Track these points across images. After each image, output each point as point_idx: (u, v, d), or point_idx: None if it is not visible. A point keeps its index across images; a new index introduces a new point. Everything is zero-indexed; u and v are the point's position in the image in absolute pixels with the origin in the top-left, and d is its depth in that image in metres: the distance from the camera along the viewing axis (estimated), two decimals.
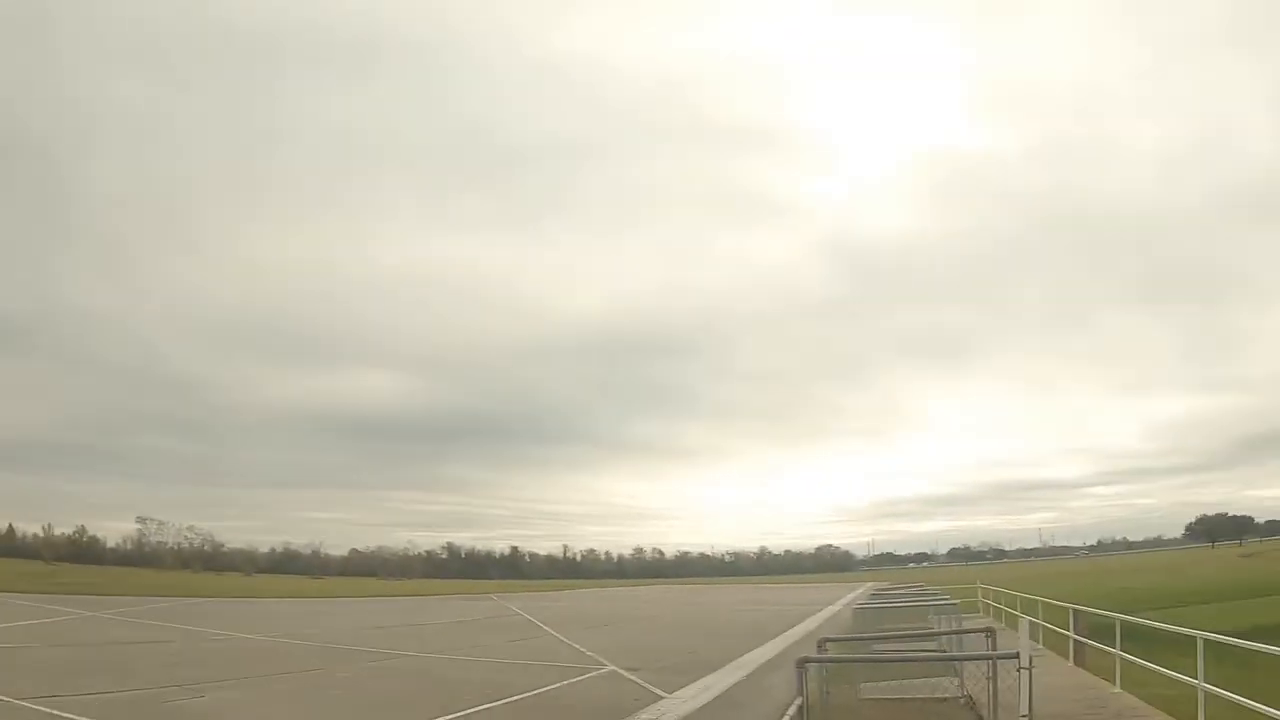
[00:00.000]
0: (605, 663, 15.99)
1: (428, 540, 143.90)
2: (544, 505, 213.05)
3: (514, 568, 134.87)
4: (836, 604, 22.64)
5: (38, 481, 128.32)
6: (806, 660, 5.45)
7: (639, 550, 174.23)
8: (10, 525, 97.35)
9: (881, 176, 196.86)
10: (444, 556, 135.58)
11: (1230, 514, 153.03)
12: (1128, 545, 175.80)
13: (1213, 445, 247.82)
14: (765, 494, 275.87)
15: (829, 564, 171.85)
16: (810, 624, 23.08)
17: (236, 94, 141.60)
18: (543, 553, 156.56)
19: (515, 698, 12.01)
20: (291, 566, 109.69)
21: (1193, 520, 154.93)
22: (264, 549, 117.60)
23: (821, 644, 6.64)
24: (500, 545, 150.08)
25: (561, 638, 22.27)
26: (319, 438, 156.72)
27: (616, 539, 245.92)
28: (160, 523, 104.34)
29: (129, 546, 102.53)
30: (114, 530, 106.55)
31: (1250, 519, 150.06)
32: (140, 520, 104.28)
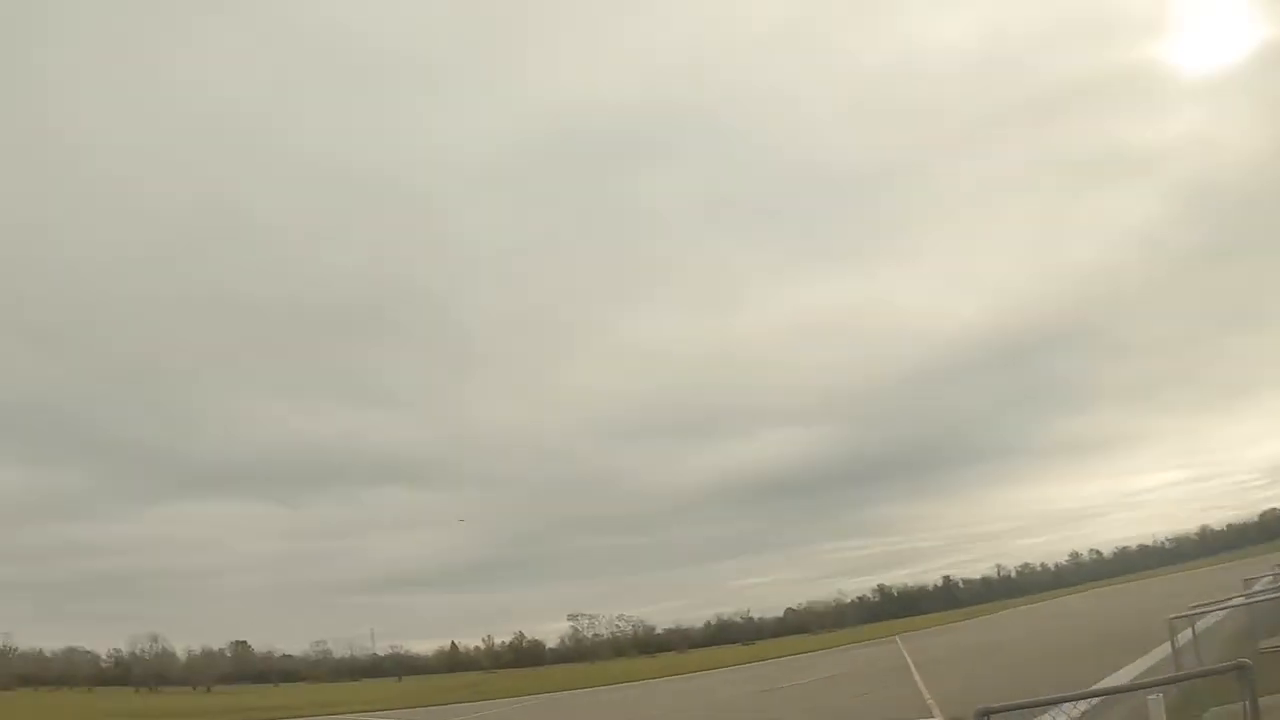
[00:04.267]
0: (929, 717, 15.30)
1: (858, 586, 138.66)
2: (973, 528, 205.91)
3: (949, 597, 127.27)
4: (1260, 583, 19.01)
5: (477, 599, 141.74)
6: (989, 711, 4.70)
7: (1075, 555, 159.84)
8: (452, 642, 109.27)
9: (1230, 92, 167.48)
10: (876, 599, 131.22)
11: None
12: None
13: None
14: (1192, 469, 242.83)
15: (1278, 530, 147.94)
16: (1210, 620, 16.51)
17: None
18: (977, 576, 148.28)
19: None
20: (726, 637, 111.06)
21: None
22: (699, 624, 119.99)
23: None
24: (932, 577, 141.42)
25: (916, 684, 21.40)
26: (734, 506, 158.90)
27: (1049, 547, 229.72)
28: (591, 617, 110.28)
29: (569, 644, 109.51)
30: (551, 631, 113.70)
31: None
32: (571, 617, 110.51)
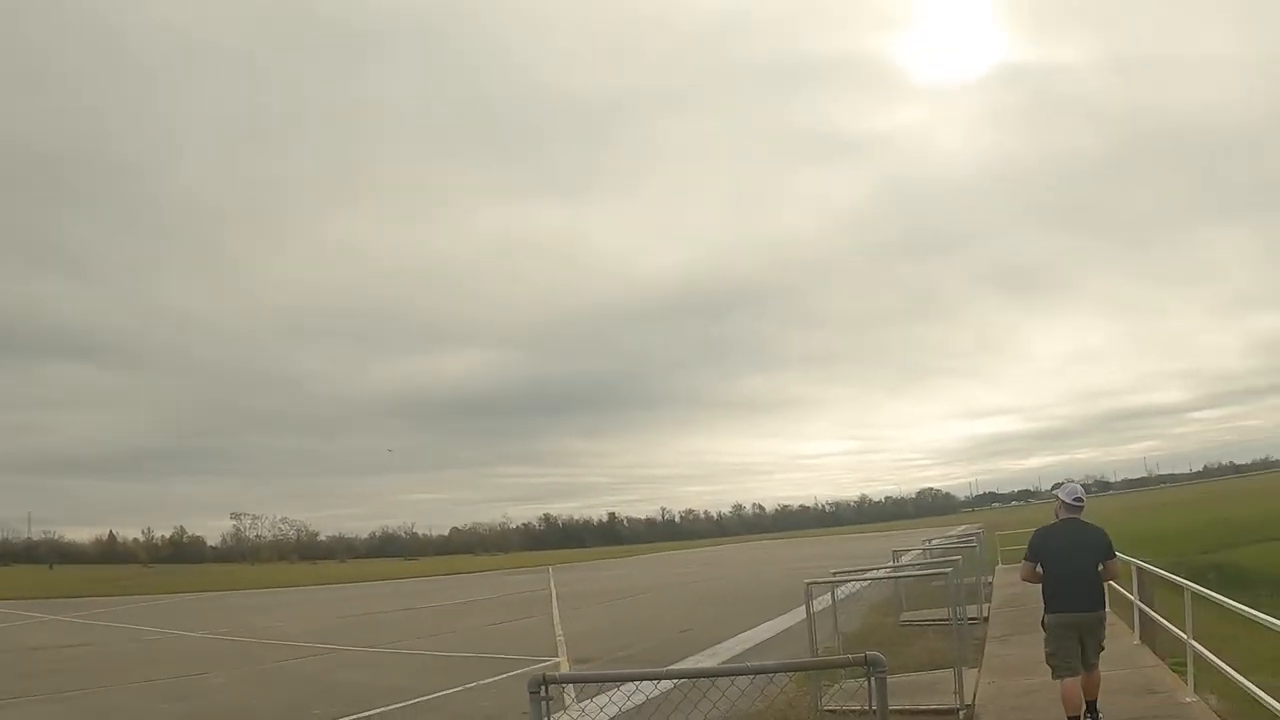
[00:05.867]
0: (554, 656, 13.73)
1: (526, 513, 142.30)
2: (645, 469, 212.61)
3: (613, 534, 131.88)
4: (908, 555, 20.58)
5: (140, 488, 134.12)
6: (547, 680, 3.53)
7: (738, 507, 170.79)
8: (110, 532, 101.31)
9: (955, 99, 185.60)
10: (541, 529, 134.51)
11: None
12: (1236, 469, 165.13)
13: None
14: (864, 441, 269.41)
15: (930, 507, 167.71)
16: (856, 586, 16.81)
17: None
18: (642, 516, 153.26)
19: (381, 709, 9.74)
20: (390, 550, 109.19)
21: None
22: (363, 535, 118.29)
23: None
24: (599, 513, 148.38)
25: (554, 618, 20.71)
26: (410, 420, 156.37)
27: (717, 498, 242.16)
28: (255, 517, 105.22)
29: (230, 543, 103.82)
30: (214, 529, 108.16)
31: None
32: (235, 516, 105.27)
